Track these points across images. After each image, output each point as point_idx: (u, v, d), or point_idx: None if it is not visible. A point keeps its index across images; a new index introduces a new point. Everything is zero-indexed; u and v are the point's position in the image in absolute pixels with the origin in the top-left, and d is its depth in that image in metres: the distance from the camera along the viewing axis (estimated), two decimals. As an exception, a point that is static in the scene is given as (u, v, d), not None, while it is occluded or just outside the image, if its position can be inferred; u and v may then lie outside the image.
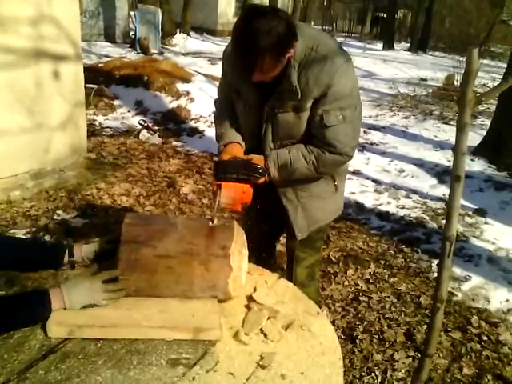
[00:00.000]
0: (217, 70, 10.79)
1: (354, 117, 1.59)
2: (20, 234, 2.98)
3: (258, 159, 1.66)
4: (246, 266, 1.55)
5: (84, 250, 1.49)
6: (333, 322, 2.57)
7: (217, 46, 17.55)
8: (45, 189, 3.72)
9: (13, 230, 3.04)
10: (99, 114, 6.20)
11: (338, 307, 2.72)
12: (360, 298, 2.80)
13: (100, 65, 7.83)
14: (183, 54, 14.50)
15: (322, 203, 1.84)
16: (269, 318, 1.43)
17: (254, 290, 1.57)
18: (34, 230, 3.07)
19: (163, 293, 1.42)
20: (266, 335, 1.36)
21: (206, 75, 8.10)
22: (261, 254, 2.07)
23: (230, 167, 1.60)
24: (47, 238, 3.03)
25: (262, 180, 1.65)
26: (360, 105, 1.63)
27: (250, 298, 1.51)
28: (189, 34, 19.43)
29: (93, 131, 5.49)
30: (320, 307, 2.11)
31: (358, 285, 2.94)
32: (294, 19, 1.53)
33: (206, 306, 1.41)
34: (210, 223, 1.49)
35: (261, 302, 1.49)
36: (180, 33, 18.68)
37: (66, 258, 1.47)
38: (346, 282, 2.97)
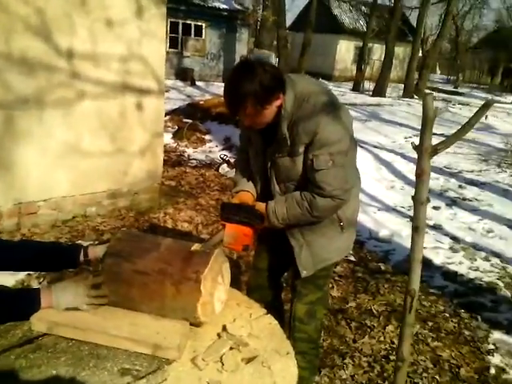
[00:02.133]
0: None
1: (346, 162, 1.68)
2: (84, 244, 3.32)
3: (260, 206, 1.80)
4: (223, 295, 1.59)
5: (97, 250, 1.67)
6: (352, 377, 2.44)
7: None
8: (118, 208, 4.11)
9: (79, 241, 3.41)
10: (190, 146, 6.70)
11: (364, 362, 2.57)
12: (391, 357, 2.61)
13: (201, 102, 8.49)
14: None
15: (327, 242, 1.87)
16: (231, 349, 1.45)
17: (234, 320, 1.60)
18: (96, 242, 3.40)
19: (139, 307, 1.52)
20: (223, 364, 1.38)
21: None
22: (268, 288, 2.12)
23: (233, 210, 1.79)
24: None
25: (262, 225, 1.79)
26: (353, 150, 1.75)
27: (224, 327, 1.54)
28: (303, 79, 20.10)
29: (180, 162, 5.95)
30: (319, 347, 2.06)
31: (394, 343, 2.75)
32: (285, 75, 1.68)
33: (175, 326, 1.47)
34: (192, 248, 1.57)
35: (231, 333, 1.51)
36: (294, 77, 19.41)
37: (82, 258, 1.65)
38: (382, 338, 2.80)
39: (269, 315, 1.69)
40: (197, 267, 1.48)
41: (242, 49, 19.62)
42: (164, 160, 6.01)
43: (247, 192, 1.90)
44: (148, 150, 4.19)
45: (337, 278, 3.54)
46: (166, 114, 8.08)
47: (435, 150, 1.09)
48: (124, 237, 1.62)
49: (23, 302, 1.45)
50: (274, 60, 17.63)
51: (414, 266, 1.15)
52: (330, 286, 3.39)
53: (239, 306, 1.71)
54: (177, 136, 7.06)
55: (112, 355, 1.37)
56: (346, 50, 25.56)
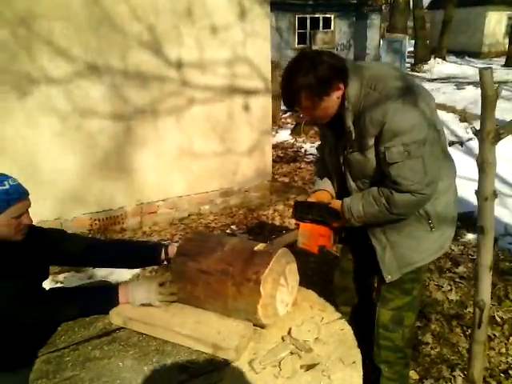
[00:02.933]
0: (462, 95, 10.00)
1: (424, 152, 1.47)
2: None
3: (335, 203, 1.71)
4: (287, 297, 1.53)
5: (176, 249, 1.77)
6: (461, 392, 2.17)
7: (474, 70, 16.23)
8: (230, 206, 4.27)
9: (192, 238, 3.62)
10: (307, 141, 6.65)
11: (479, 376, 2.26)
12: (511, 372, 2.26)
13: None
14: (429, 80, 13.94)
15: (413, 243, 1.68)
16: (292, 354, 1.39)
17: (302, 323, 1.54)
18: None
19: (205, 306, 1.55)
20: (280, 369, 1.34)
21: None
22: (354, 290, 2.01)
23: (306, 208, 1.72)
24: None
25: (338, 224, 1.69)
26: (436, 140, 1.52)
27: (290, 331, 1.49)
28: (444, 59, 18.70)
29: (295, 157, 5.94)
30: (408, 356, 1.85)
31: (519, 357, 2.37)
32: (350, 63, 1.57)
33: (237, 326, 1.47)
34: (256, 247, 1.54)
35: (295, 337, 1.46)
36: (434, 58, 18.16)
37: (163, 256, 1.77)
38: (503, 350, 2.43)
39: (342, 320, 1.59)
40: (257, 268, 1.45)
41: (373, 35, 18.80)
42: (280, 157, 6.11)
43: (324, 191, 1.82)
44: (256, 149, 4.28)
45: (457, 280, 3.18)
46: (286, 111, 8.16)
47: (499, 135, 0.89)
48: (194, 237, 1.67)
49: (104, 298, 1.59)
50: (407, 43, 16.61)
51: (481, 273, 0.97)
52: (448, 288, 3.07)
53: (312, 308, 1.64)
54: (295, 132, 7.08)
55: (175, 352, 1.42)
56: (496, 21, 22.78)
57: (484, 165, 0.91)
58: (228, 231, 3.79)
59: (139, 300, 1.57)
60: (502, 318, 2.70)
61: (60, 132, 3.37)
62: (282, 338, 1.47)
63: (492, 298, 2.90)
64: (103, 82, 3.44)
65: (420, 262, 1.71)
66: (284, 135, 7.09)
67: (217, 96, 3.92)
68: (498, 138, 0.88)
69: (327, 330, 1.52)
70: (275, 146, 6.59)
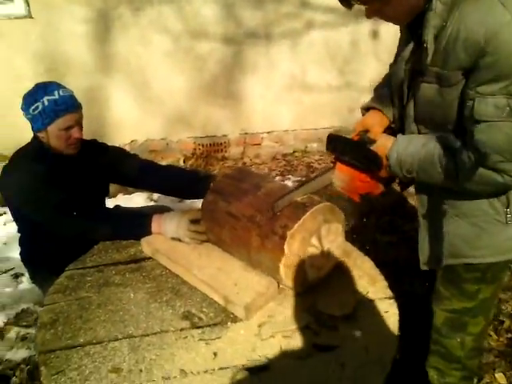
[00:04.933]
0: None
1: None
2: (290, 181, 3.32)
3: (382, 145, 1.20)
4: (321, 262, 1.30)
5: None
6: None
7: None
8: (341, 146, 3.91)
9: (290, 175, 3.43)
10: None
11: None
12: None
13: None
14: None
15: (475, 233, 1.19)
16: (308, 328, 1.18)
17: (338, 294, 1.29)
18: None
19: (231, 251, 1.40)
20: (289, 343, 1.14)
21: None
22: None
23: (340, 146, 1.28)
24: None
25: (380, 173, 1.22)
26: None
27: (317, 300, 1.27)
28: None
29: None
30: (470, 369, 1.42)
31: None
32: None
33: (258, 282, 1.29)
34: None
35: (320, 309, 1.24)
36: None
37: None
38: None
39: (391, 301, 1.29)
40: (285, 221, 1.23)
41: None
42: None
43: (379, 113, 1.30)
44: (381, 84, 3.76)
45: None
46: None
47: None
48: (232, 174, 1.48)
49: (137, 224, 1.54)
50: None
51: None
52: None
53: (361, 279, 1.37)
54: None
55: (189, 295, 1.31)
56: None
57: None
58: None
59: (169, 233, 1.49)
60: None
61: (170, 52, 3.34)
62: (307, 307, 1.25)
63: None
64: (215, 0, 3.25)
65: (473, 259, 1.21)
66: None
67: (340, 19, 3.45)
68: None
69: (367, 308, 1.25)
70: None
